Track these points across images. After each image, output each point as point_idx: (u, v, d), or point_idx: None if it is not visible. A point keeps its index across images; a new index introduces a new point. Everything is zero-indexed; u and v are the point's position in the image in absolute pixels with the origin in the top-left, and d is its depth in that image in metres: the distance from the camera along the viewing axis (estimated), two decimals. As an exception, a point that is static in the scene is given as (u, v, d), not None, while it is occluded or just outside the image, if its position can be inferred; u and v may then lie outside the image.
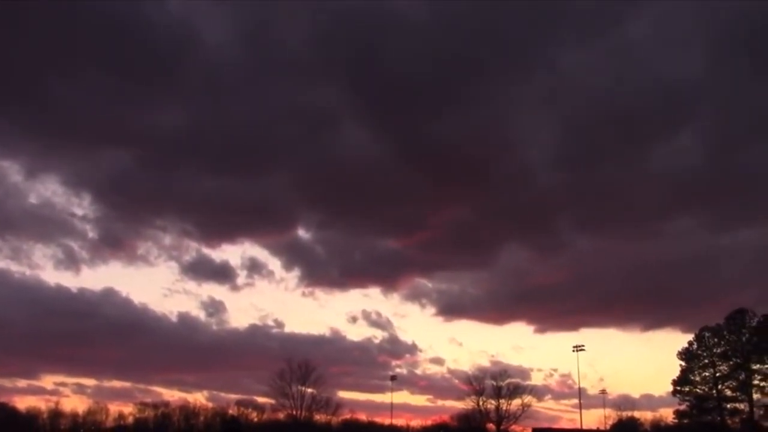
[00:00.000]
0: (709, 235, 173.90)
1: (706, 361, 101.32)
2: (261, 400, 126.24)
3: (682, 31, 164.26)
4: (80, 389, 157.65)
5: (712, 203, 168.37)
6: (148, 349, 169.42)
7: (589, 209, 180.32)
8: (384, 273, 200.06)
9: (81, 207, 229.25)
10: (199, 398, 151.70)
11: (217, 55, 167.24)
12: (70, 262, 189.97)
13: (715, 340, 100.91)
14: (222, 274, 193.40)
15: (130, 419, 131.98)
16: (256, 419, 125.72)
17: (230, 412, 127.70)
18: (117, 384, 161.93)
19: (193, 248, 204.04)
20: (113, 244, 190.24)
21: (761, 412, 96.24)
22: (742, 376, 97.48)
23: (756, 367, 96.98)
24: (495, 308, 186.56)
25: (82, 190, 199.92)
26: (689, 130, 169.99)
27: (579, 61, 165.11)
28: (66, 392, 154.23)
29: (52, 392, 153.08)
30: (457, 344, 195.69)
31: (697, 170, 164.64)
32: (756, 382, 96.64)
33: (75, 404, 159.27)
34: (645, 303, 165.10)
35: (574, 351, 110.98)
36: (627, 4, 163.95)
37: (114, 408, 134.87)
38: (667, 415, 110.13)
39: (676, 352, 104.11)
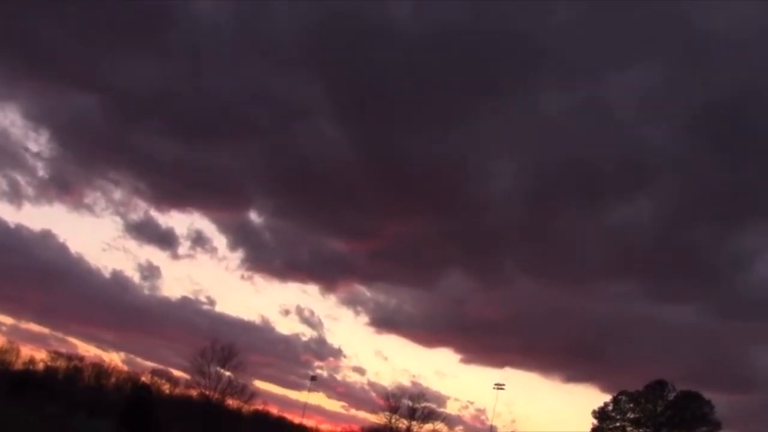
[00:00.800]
0: (645, 303, 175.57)
1: (618, 424, 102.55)
2: (177, 373, 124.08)
3: (660, 101, 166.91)
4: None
5: (654, 272, 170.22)
6: (74, 299, 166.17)
7: (536, 253, 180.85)
8: (326, 273, 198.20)
9: (37, 143, 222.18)
10: (114, 359, 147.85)
11: (207, 23, 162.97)
12: (14, 195, 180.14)
13: (631, 405, 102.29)
14: (165, 240, 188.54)
15: (41, 365, 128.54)
16: (167, 391, 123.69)
17: (143, 379, 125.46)
18: (34, 327, 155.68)
19: (142, 208, 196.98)
20: (61, 186, 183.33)
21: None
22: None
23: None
24: (427, 330, 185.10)
25: (42, 126, 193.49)
26: (646, 198, 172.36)
27: (558, 107, 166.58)
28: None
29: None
30: (382, 358, 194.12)
31: (645, 237, 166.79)
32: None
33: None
34: (571, 355, 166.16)
35: (494, 388, 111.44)
36: (614, 61, 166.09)
37: (26, 351, 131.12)
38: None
39: (591, 410, 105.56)
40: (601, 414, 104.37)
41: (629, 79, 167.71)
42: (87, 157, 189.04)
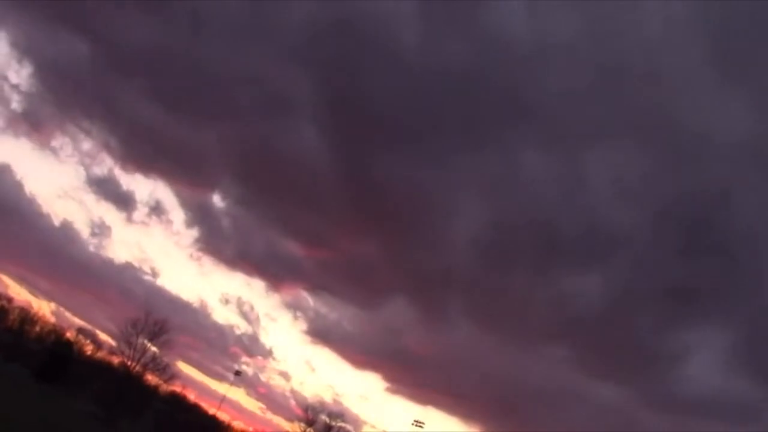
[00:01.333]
0: (576, 374, 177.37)
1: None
2: (102, 336, 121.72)
3: (631, 186, 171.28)
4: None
5: (591, 346, 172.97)
6: (16, 239, 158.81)
7: (483, 303, 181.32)
8: (275, 272, 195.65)
9: (18, 75, 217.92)
10: (44, 308, 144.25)
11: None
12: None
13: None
14: (123, 201, 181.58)
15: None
16: (89, 353, 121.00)
17: (68, 335, 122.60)
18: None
19: (107, 164, 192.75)
20: (32, 124, 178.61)
21: None
22: None
23: None
24: (360, 351, 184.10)
25: (26, 59, 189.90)
26: (600, 273, 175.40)
27: (536, 164, 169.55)
28: None
29: None
30: (310, 368, 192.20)
31: (591, 310, 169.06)
32: None
33: None
34: (494, 410, 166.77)
35: (413, 425, 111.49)
36: (594, 136, 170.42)
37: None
38: None
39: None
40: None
41: (611, 155, 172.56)
42: (65, 100, 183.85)
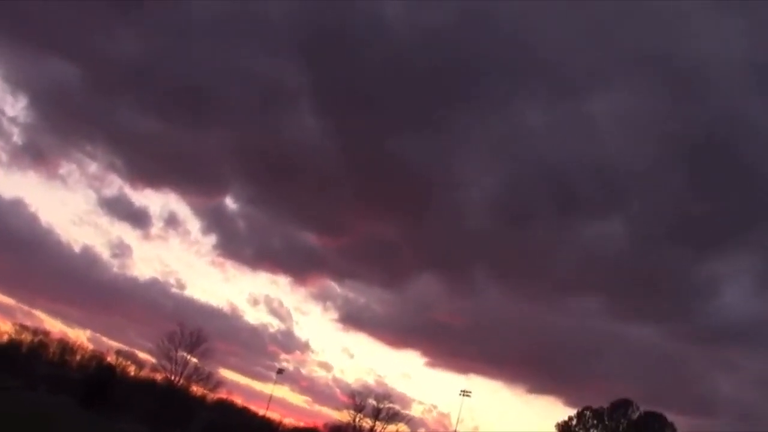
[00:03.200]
0: (611, 320, 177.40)
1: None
2: (142, 355, 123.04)
3: (640, 125, 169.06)
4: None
5: (623, 291, 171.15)
6: (42, 272, 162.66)
7: (509, 264, 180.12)
8: (297, 265, 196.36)
9: (14, 108, 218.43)
10: (80, 336, 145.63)
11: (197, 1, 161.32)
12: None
13: (594, 421, 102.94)
14: (138, 218, 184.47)
15: (5, 338, 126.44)
16: (132, 373, 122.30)
17: (108, 359, 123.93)
18: (0, 297, 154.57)
19: (117, 184, 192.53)
20: (36, 155, 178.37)
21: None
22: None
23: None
24: (394, 331, 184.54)
25: (20, 91, 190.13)
26: (620, 217, 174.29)
27: (536, 120, 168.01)
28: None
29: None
30: (348, 355, 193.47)
31: (617, 255, 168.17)
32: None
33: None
34: (536, 367, 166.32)
35: (460, 395, 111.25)
36: (597, 81, 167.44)
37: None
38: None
39: (555, 423, 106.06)
40: (564, 427, 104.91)
41: (616, 98, 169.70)
42: (65, 127, 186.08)
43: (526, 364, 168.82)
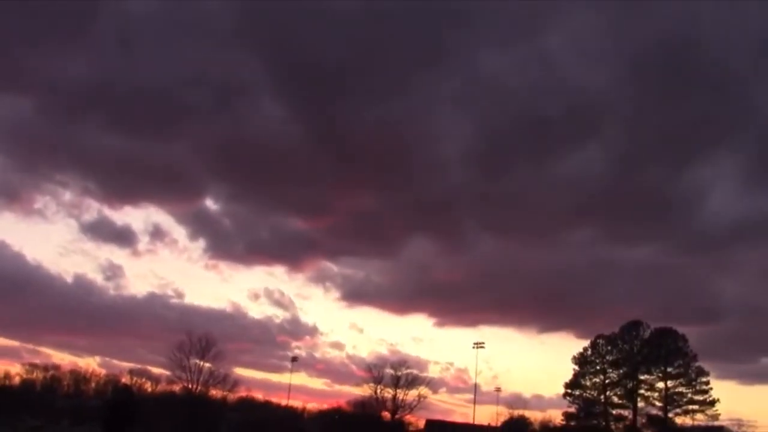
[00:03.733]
0: (606, 248, 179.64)
1: (598, 367, 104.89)
2: (155, 370, 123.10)
3: (599, 46, 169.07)
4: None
5: (611, 217, 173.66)
6: (40, 308, 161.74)
7: (494, 211, 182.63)
8: (290, 253, 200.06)
9: None
10: (90, 363, 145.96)
11: (133, 9, 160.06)
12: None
13: (608, 348, 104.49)
14: (123, 237, 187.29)
15: (17, 380, 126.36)
16: (150, 390, 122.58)
17: (123, 380, 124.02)
18: (3, 341, 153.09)
19: (94, 208, 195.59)
20: (8, 195, 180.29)
21: (643, 420, 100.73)
22: (630, 385, 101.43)
23: (643, 377, 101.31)
24: (397, 298, 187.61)
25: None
26: (596, 143, 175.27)
27: (497, 64, 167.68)
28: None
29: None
30: (357, 330, 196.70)
31: (599, 183, 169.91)
32: (642, 391, 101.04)
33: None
34: (542, 307, 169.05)
35: (474, 347, 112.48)
36: (548, 12, 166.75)
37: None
38: (556, 416, 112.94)
39: (571, 357, 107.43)
40: (580, 359, 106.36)
41: (566, 28, 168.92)
42: (29, 161, 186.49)
43: (533, 306, 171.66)
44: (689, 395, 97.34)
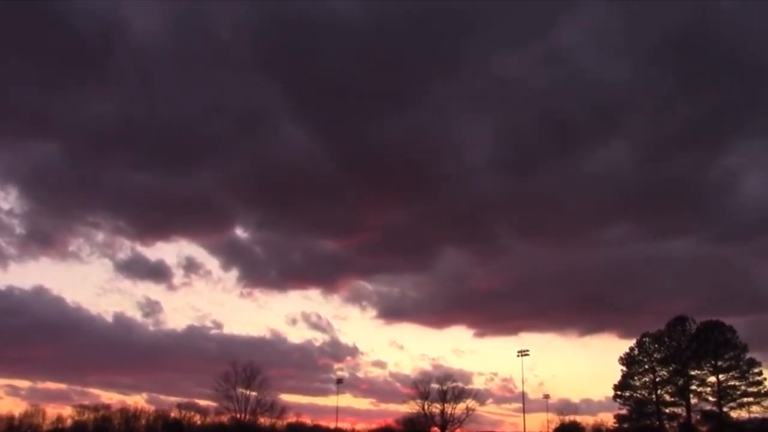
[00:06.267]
0: (642, 243, 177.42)
1: (647, 366, 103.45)
2: (202, 402, 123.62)
3: (615, 40, 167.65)
4: (14, 391, 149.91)
5: (644, 211, 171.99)
6: (83, 349, 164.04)
7: (525, 214, 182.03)
8: (324, 274, 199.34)
9: (7, 201, 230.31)
10: (138, 401, 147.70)
11: (148, 45, 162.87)
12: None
13: (656, 346, 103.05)
14: (158, 273, 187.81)
15: (69, 422, 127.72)
16: (199, 422, 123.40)
17: (172, 415, 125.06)
18: (52, 385, 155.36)
19: (128, 246, 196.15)
20: (43, 240, 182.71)
21: (698, 417, 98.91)
22: (681, 382, 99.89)
23: (694, 373, 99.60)
24: (435, 312, 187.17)
25: (7, 183, 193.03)
26: (622, 138, 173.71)
27: (515, 65, 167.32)
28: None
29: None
30: (398, 347, 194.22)
31: (629, 178, 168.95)
32: (693, 387, 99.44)
33: (9, 407, 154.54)
34: (582, 309, 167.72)
35: (518, 356, 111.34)
36: (561, 9, 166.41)
37: (51, 410, 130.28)
38: (608, 419, 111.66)
39: (618, 358, 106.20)
40: (627, 360, 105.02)
41: (581, 23, 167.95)
42: (60, 205, 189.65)
43: (573, 308, 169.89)
44: (743, 388, 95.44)
